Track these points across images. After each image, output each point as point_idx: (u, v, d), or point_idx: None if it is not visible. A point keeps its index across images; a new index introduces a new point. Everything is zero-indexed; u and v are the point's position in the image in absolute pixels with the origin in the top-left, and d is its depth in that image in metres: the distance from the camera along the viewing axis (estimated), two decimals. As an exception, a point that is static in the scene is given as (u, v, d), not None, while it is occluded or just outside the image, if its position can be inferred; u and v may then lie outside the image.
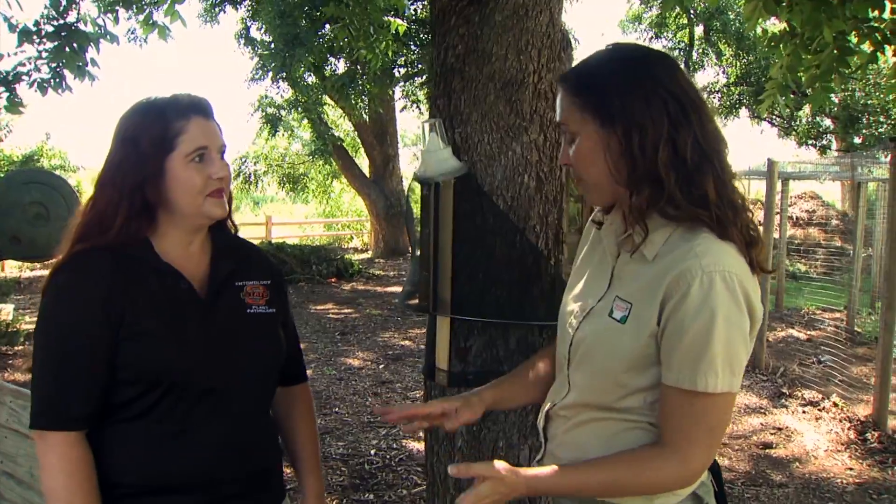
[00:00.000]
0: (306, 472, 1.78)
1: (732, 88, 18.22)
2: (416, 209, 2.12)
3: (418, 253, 2.01)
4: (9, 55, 4.43)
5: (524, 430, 1.94)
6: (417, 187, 2.00)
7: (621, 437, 1.38)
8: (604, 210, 1.45)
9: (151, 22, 5.07)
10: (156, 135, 1.48)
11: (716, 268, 1.23)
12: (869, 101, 15.54)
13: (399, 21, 6.46)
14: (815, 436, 5.23)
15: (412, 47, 12.59)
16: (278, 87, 14.42)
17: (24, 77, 4.37)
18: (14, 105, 4.43)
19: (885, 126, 15.95)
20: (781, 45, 4.10)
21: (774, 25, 3.86)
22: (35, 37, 4.47)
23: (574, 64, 1.40)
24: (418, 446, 4.94)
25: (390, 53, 6.37)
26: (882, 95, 14.65)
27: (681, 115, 1.26)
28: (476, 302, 1.86)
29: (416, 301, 2.02)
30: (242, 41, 14.89)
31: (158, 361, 1.46)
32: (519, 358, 1.89)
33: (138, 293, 1.47)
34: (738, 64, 17.77)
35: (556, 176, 1.91)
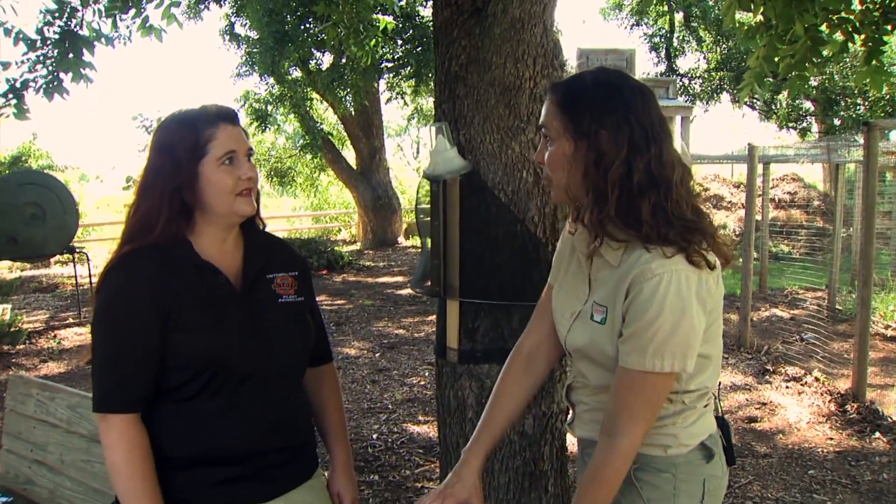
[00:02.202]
0: (335, 443, 1.95)
1: (713, 74, 18.37)
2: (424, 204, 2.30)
3: (429, 243, 2.19)
4: (17, 64, 4.54)
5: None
6: (426, 185, 2.18)
7: None
8: (573, 219, 1.63)
9: (148, 25, 5.20)
10: (189, 143, 1.62)
11: (662, 269, 1.42)
12: (847, 84, 15.76)
13: (387, 18, 6.60)
14: (798, 409, 5.46)
15: (398, 41, 12.70)
16: (267, 83, 14.49)
17: (31, 84, 4.49)
18: (22, 112, 4.56)
19: (863, 108, 16.18)
20: (757, 37, 4.29)
21: (750, 17, 4.03)
22: (40, 43, 4.59)
23: (565, 76, 1.59)
24: (418, 429, 5.13)
25: (379, 50, 6.54)
26: (858, 78, 14.83)
27: (643, 143, 1.45)
28: (482, 286, 2.04)
29: (428, 285, 2.22)
30: (227, 37, 14.95)
31: (203, 349, 1.61)
32: (522, 335, 2.09)
33: (182, 288, 1.62)
34: (719, 50, 17.92)
35: (542, 177, 2.10)
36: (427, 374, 6.63)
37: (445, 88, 2.11)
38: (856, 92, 15.83)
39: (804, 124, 17.92)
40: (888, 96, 15.40)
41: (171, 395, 1.64)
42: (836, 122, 16.42)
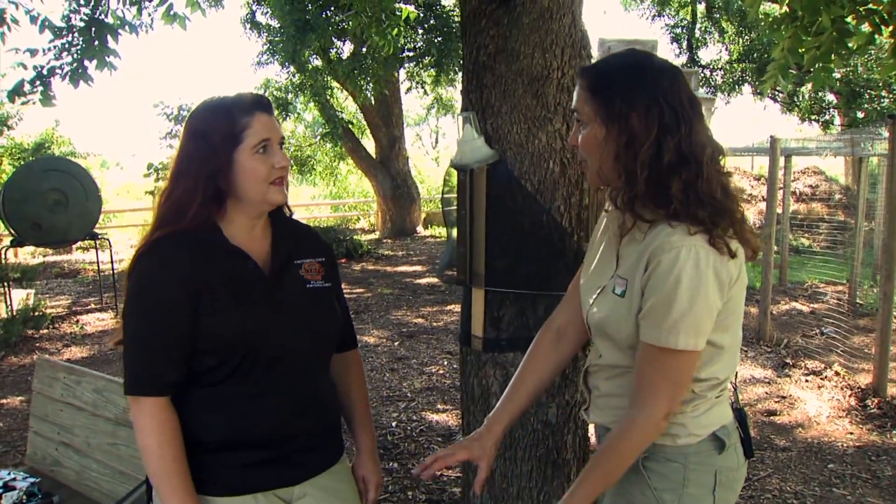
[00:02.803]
0: (360, 428, 1.97)
1: (735, 65, 18.17)
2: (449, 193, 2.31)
3: (454, 232, 2.20)
4: (43, 51, 4.58)
5: (552, 389, 2.15)
6: (453, 175, 2.19)
7: None
8: (609, 197, 1.64)
9: (172, 13, 5.23)
10: (225, 130, 1.64)
11: (682, 243, 1.43)
12: (871, 77, 15.56)
13: (409, 8, 6.60)
14: (818, 403, 5.43)
15: (419, 31, 12.67)
16: (288, 71, 14.51)
17: (57, 71, 4.53)
18: (48, 98, 4.60)
19: (888, 101, 15.98)
20: (782, 28, 4.26)
21: (775, 8, 4.00)
22: (66, 31, 4.63)
23: (594, 61, 1.59)
24: (436, 417, 5.16)
25: (401, 39, 6.56)
26: (883, 70, 14.65)
27: (673, 124, 1.46)
28: (507, 275, 2.05)
29: (452, 273, 2.24)
30: (248, 25, 14.99)
31: (234, 333, 1.63)
32: (547, 325, 2.10)
33: (213, 273, 1.64)
34: (741, 41, 17.72)
35: (578, 161, 2.11)
36: (446, 362, 6.65)
37: (473, 78, 2.12)
38: (880, 84, 15.64)
39: (826, 117, 17.73)
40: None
41: (202, 379, 1.66)
42: (860, 114, 16.23)
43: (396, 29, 6.51)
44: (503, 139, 2.08)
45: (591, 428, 2.26)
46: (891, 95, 15.96)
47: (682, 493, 1.58)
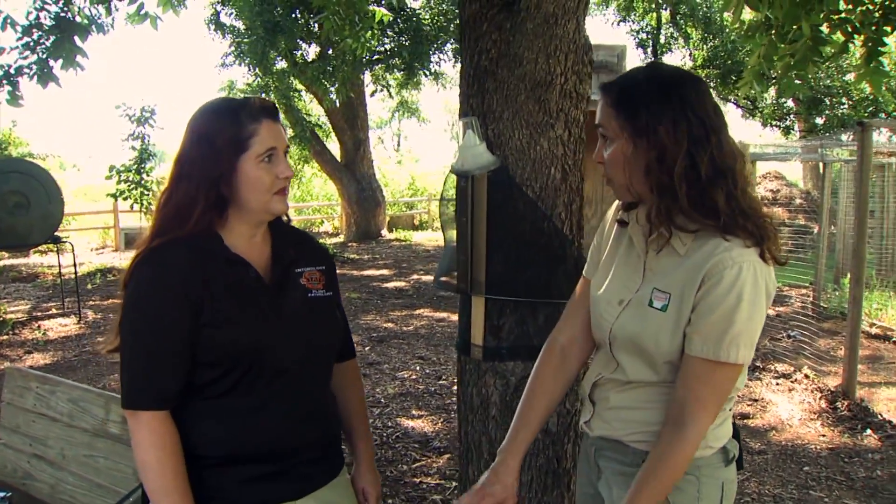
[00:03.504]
0: (359, 439, 1.94)
1: (699, 71, 18.48)
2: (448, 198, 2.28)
3: (453, 238, 2.17)
4: (9, 50, 4.46)
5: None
6: (452, 179, 2.16)
7: (663, 397, 1.57)
8: (624, 208, 1.63)
9: (143, 13, 5.13)
10: (231, 135, 1.58)
11: (742, 259, 1.43)
12: (831, 84, 15.94)
13: (383, 10, 6.55)
14: (789, 406, 5.51)
15: (388, 33, 12.64)
16: (253, 73, 14.37)
17: (25, 70, 4.41)
18: (14, 98, 4.48)
19: (847, 107, 16.37)
20: (757, 35, 4.31)
21: (753, 15, 4.03)
22: (34, 29, 4.51)
23: (619, 75, 1.58)
24: (412, 424, 5.12)
25: (375, 42, 6.52)
26: (842, 77, 15.08)
27: (702, 135, 1.45)
28: (508, 283, 2.03)
29: (448, 280, 2.21)
30: (213, 27, 14.81)
31: (237, 344, 1.58)
32: (547, 334, 2.06)
33: (214, 282, 1.59)
34: (705, 47, 18.04)
35: (580, 168, 2.10)
36: (418, 367, 6.63)
37: (474, 83, 2.09)
38: (840, 91, 16.01)
39: (787, 122, 18.10)
40: (871, 96, 15.60)
41: (203, 391, 1.61)
42: (820, 121, 16.61)
43: (370, 31, 6.46)
44: (504, 145, 2.06)
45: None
46: (850, 102, 16.33)
47: None
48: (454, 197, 2.16)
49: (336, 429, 1.83)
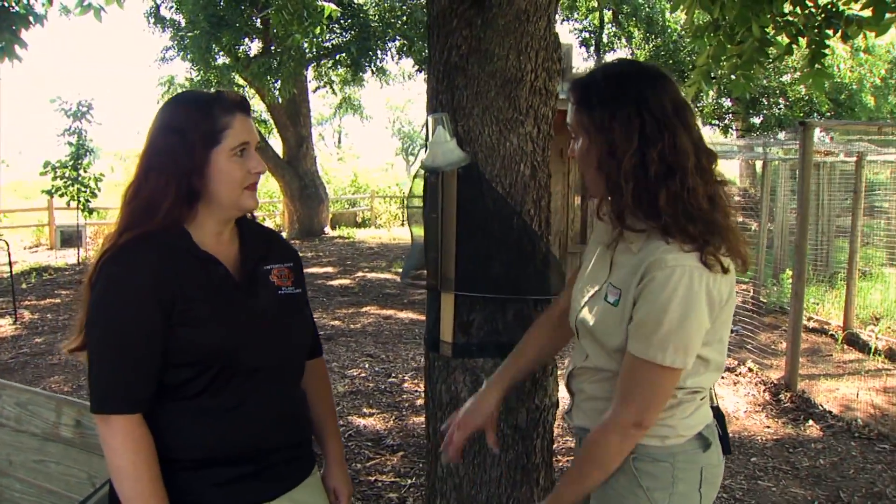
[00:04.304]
0: (329, 438, 1.91)
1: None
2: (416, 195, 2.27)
3: (420, 235, 2.16)
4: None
5: (521, 394, 2.13)
6: (420, 175, 2.15)
7: None
8: (596, 208, 1.66)
9: (87, 4, 4.98)
10: (204, 128, 1.55)
11: (676, 262, 1.44)
12: (768, 84, 16.38)
13: (332, 5, 6.49)
14: (735, 398, 5.64)
15: (336, 29, 12.53)
16: (194, 68, 14.08)
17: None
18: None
19: (784, 107, 16.85)
20: (706, 35, 4.40)
21: (698, 15, 4.10)
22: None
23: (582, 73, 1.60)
24: (364, 422, 5.09)
25: (324, 37, 6.44)
26: (779, 78, 15.53)
27: (655, 132, 1.46)
28: (477, 279, 2.03)
29: (417, 279, 2.20)
30: (152, 20, 14.46)
31: (210, 344, 1.54)
32: (516, 330, 2.07)
33: (185, 280, 1.54)
34: (647, 47, 18.35)
35: (548, 165, 2.11)
36: (367, 365, 6.60)
37: (444, 78, 2.07)
38: (777, 92, 16.48)
39: (726, 121, 18.52)
40: (807, 97, 16.12)
41: (176, 392, 1.56)
42: (757, 120, 17.06)
43: (319, 27, 6.40)
44: (474, 141, 2.05)
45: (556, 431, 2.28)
46: (786, 102, 16.81)
47: (672, 491, 1.60)
48: (421, 193, 2.15)
49: (308, 428, 1.80)
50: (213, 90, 1.64)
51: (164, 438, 1.54)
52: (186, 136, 1.55)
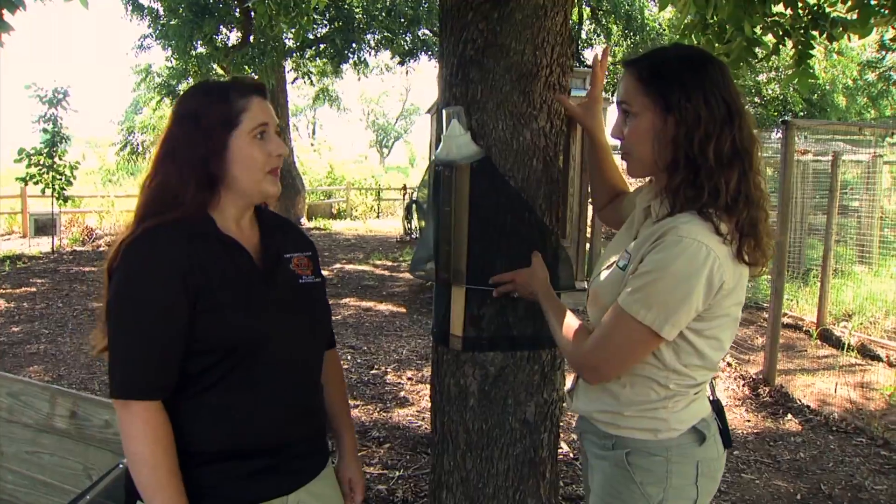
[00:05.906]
0: (343, 430, 1.91)
1: (619, 66, 18.90)
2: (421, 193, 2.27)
3: (422, 224, 2.16)
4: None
5: (530, 388, 2.15)
6: (433, 168, 2.15)
7: (627, 377, 1.64)
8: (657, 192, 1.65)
9: (71, -11, 4.89)
10: (221, 112, 1.54)
11: (688, 234, 1.45)
12: (744, 84, 16.56)
13: (318, -5, 6.44)
14: (716, 393, 5.71)
15: (320, 20, 12.44)
16: (175, 57, 13.88)
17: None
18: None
19: (759, 106, 17.06)
20: (693, 35, 4.44)
21: (690, 11, 4.13)
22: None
23: (642, 53, 1.61)
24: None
25: (310, 27, 6.39)
26: (754, 77, 15.72)
27: (727, 116, 1.49)
28: (489, 273, 2.03)
29: (424, 272, 2.20)
30: (130, 7, 14.23)
31: (236, 331, 1.52)
32: (527, 324, 2.09)
33: (211, 266, 1.53)
34: (626, 43, 18.48)
35: (560, 160, 2.12)
36: (349, 357, 6.59)
37: (458, 72, 2.07)
38: (752, 91, 16.69)
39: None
40: (781, 96, 16.37)
41: (197, 381, 1.54)
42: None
43: (306, 17, 6.35)
44: (488, 135, 2.05)
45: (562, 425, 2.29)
46: (761, 101, 17.02)
47: (667, 485, 1.62)
48: (432, 186, 2.15)
49: (324, 420, 1.80)
50: (227, 79, 1.63)
51: (182, 429, 1.53)
52: (201, 122, 1.54)
